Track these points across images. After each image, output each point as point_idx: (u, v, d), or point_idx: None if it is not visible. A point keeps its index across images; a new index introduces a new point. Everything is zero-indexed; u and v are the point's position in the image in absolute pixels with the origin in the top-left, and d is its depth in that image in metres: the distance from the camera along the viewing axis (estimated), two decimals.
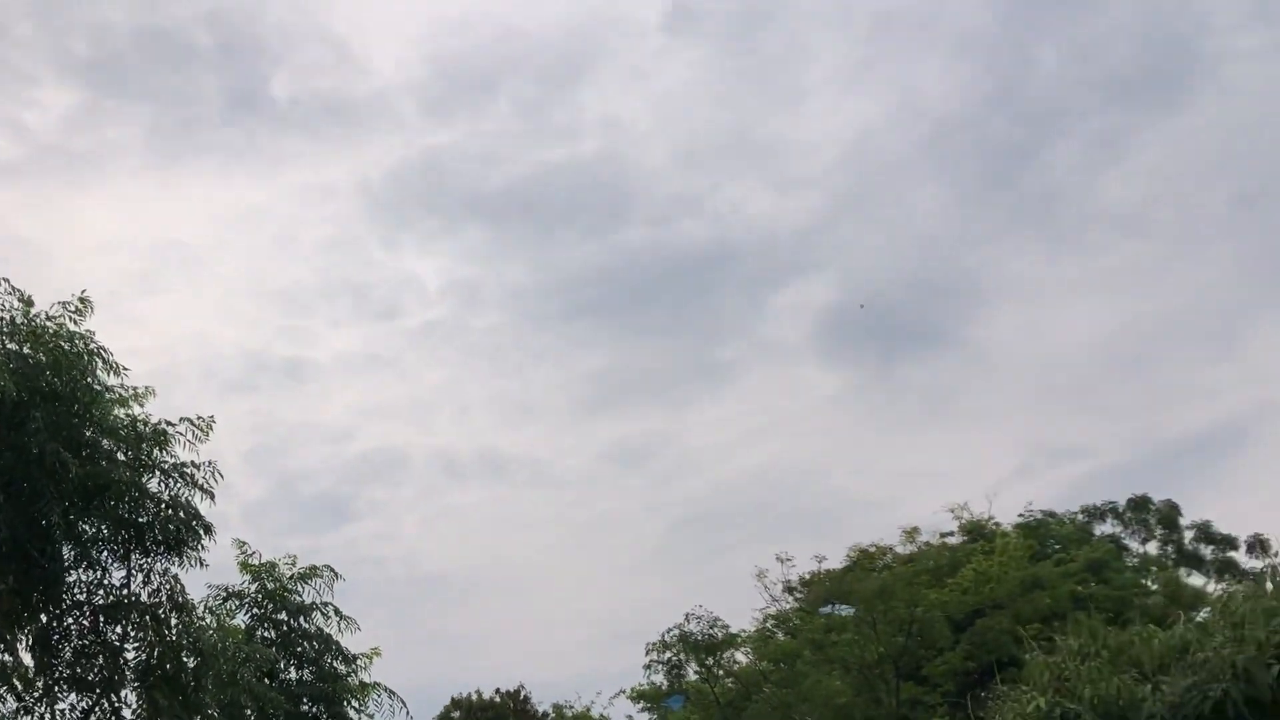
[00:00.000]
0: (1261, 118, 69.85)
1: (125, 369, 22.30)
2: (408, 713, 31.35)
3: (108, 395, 22.06)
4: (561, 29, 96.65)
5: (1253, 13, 58.20)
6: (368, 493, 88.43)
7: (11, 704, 21.30)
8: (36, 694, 21.72)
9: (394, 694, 31.40)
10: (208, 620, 27.38)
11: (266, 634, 30.03)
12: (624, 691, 46.29)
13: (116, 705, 22.28)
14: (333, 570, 30.87)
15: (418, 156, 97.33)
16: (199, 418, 22.57)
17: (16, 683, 21.54)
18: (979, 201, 79.86)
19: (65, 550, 21.57)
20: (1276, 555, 48.43)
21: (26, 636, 21.61)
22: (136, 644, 22.60)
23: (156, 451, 22.35)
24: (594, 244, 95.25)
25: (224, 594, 30.00)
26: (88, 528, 22.09)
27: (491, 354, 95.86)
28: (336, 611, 30.78)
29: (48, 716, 21.63)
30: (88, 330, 21.68)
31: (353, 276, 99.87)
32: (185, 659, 22.79)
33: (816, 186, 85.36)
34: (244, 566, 30.68)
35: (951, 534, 47.30)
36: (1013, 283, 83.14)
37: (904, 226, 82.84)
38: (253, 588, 30.55)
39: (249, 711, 25.94)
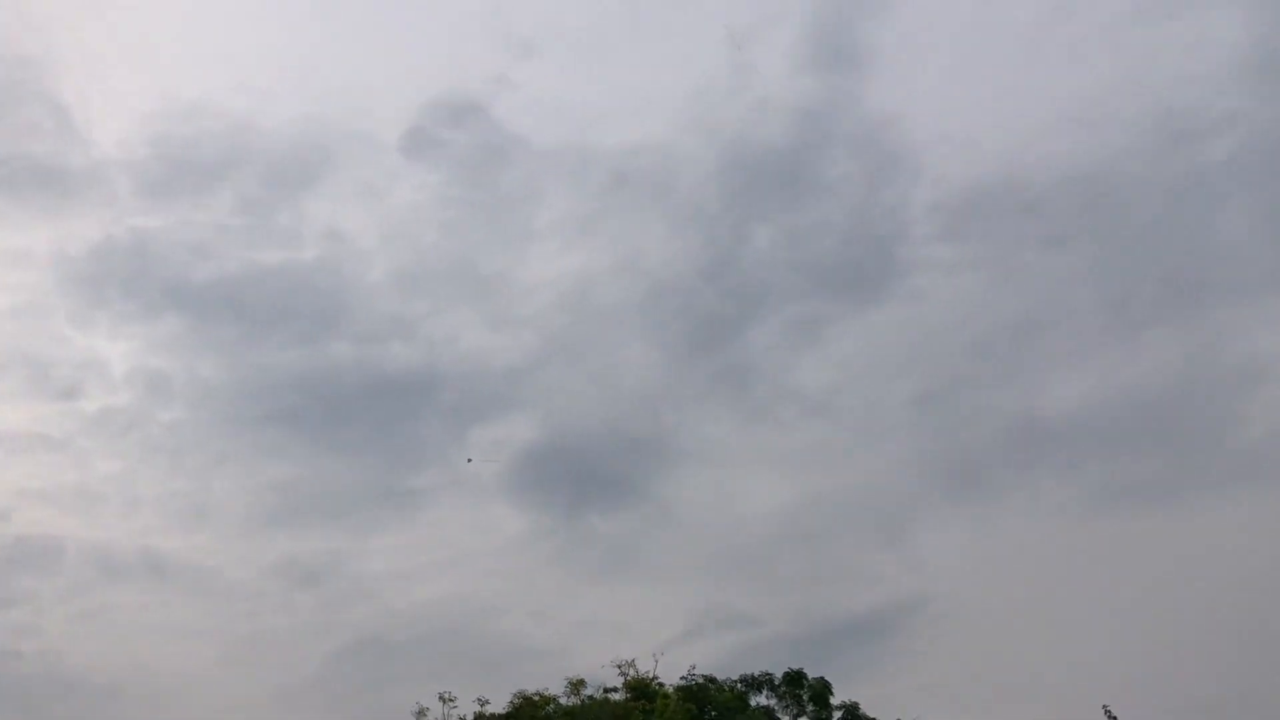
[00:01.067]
0: (944, 325, 75.63)
1: None
2: None
3: None
4: (298, 131, 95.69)
5: (946, 230, 63.82)
6: (15, 580, 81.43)
7: None
8: None
9: None
10: None
11: None
12: None
13: None
14: None
15: (125, 235, 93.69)
16: None
17: None
18: (683, 364, 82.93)
19: None
20: None
21: None
22: None
23: None
24: (299, 352, 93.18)
25: None
26: None
27: (172, 450, 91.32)
28: None
29: None
30: None
31: (33, 349, 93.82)
32: None
33: (531, 327, 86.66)
34: None
35: (616, 690, 47.58)
36: (705, 446, 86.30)
37: (609, 378, 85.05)
38: None
39: None
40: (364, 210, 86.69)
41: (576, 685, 44.59)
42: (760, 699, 53.10)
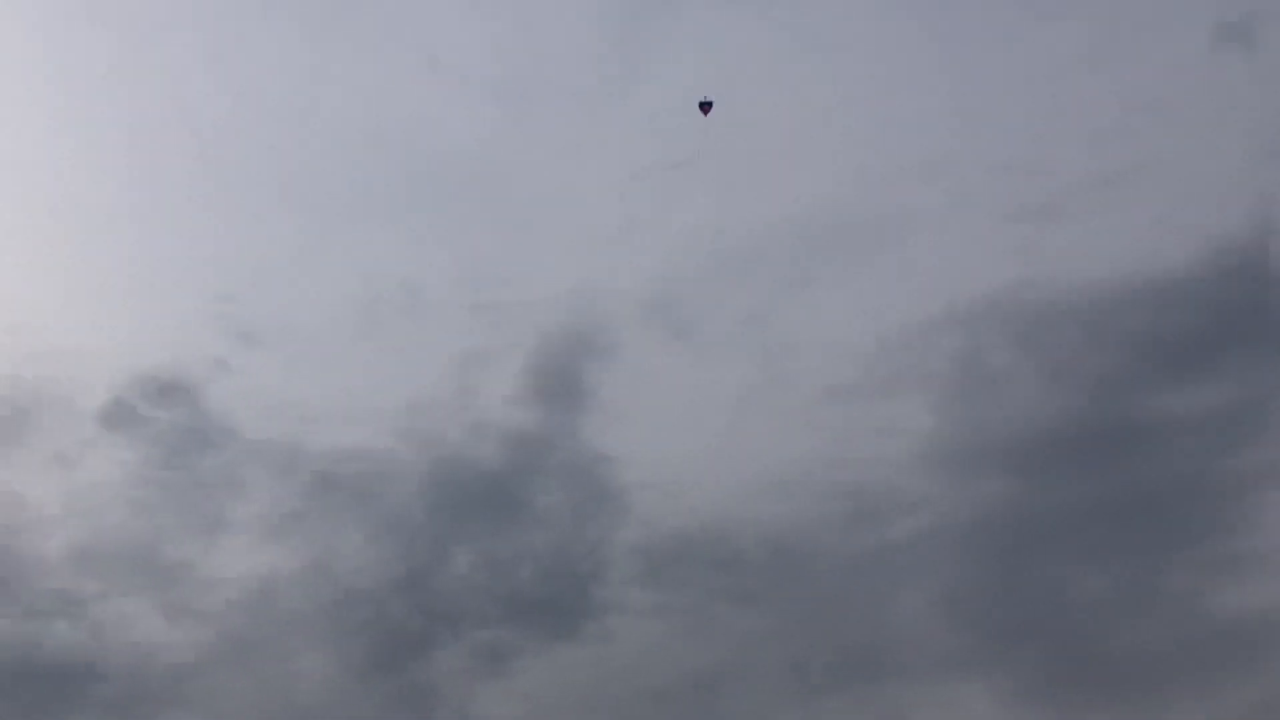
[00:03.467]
0: (631, 669, 75.64)
1: None
2: None
3: None
4: None
5: (645, 575, 65.66)
6: None
7: None
8: None
9: None
10: None
11: None
12: None
13: None
14: None
15: None
16: None
17: None
18: (362, 680, 78.43)
19: None
20: None
21: None
22: None
23: None
24: None
25: None
26: None
27: None
28: None
29: None
30: None
31: None
32: None
33: (209, 623, 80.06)
34: None
35: None
36: None
37: (283, 686, 79.45)
38: None
39: None
40: (52, 479, 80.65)
41: None
42: None
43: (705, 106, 52.86)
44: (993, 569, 56.82)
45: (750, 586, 62.82)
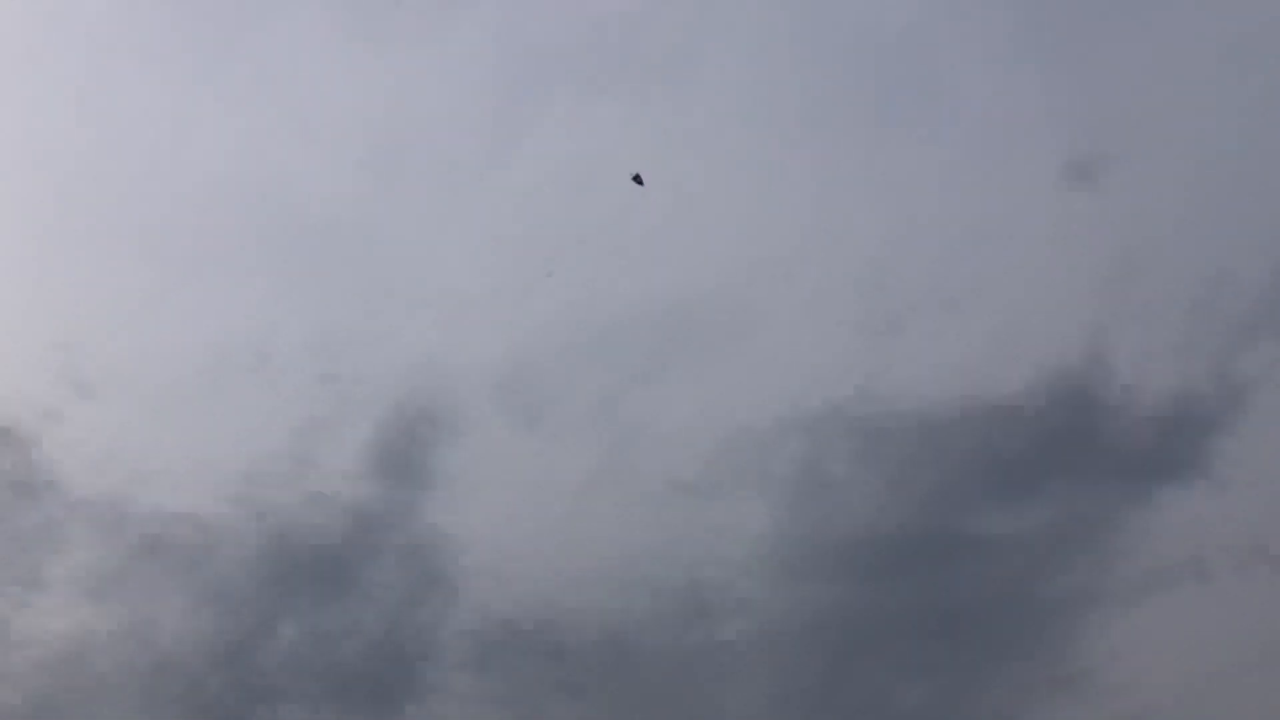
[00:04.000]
0: None
1: None
2: None
3: None
4: None
5: (474, 660, 65.76)
6: None
7: None
8: None
9: None
10: None
11: None
12: None
13: None
14: None
15: None
16: None
17: None
18: None
19: None
20: None
21: None
22: None
23: None
24: None
25: None
26: None
27: None
28: None
29: None
30: None
31: None
32: None
33: (15, 684, 76.07)
34: None
35: None
36: None
37: None
38: None
39: None
40: None
41: None
42: None
43: (637, 179, 53.66)
44: (819, 674, 57.44)
45: (579, 678, 62.88)
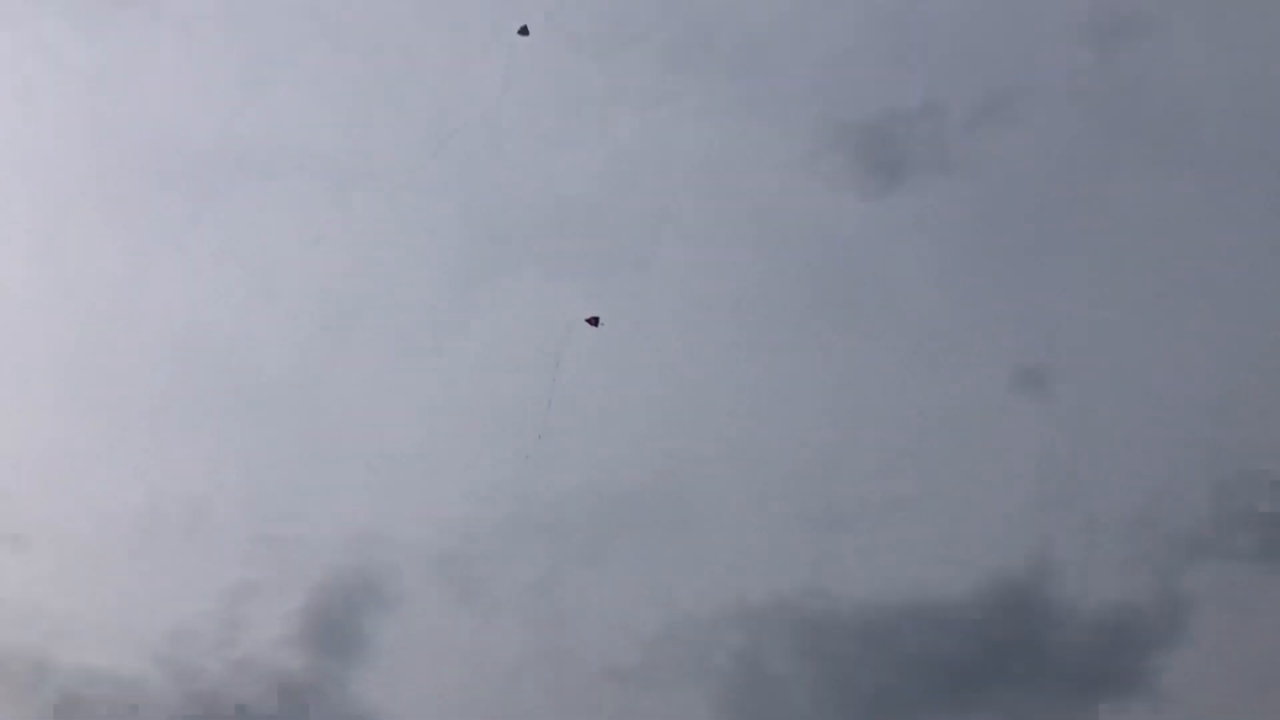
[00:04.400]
0: None
1: None
2: None
3: None
4: None
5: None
6: None
7: None
8: None
9: None
10: None
11: None
12: None
13: None
14: None
15: None
16: None
17: None
18: None
19: None
20: None
21: None
22: None
23: None
24: None
25: None
26: None
27: None
28: None
29: None
30: None
31: None
32: None
33: None
34: None
35: None
36: None
37: None
38: None
39: None
40: None
41: None
42: None
43: (593, 321, 53.84)
44: None
45: None
